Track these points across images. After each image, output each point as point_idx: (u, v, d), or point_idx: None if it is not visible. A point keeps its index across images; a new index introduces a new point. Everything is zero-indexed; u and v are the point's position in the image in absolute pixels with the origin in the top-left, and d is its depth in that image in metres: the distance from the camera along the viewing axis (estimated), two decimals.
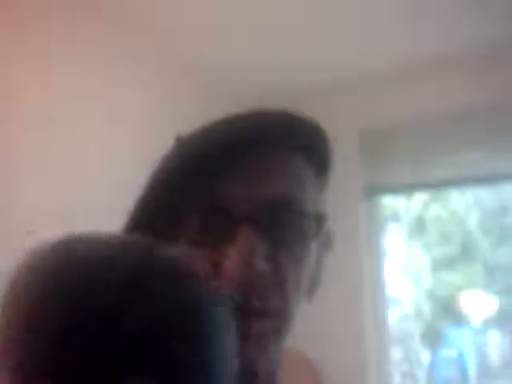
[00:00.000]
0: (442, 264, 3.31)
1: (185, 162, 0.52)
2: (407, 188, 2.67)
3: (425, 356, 3.33)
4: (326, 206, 0.60)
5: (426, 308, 3.33)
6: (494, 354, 3.21)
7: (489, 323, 3.16)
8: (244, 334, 0.50)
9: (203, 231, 0.52)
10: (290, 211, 0.53)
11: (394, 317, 3.00)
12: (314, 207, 0.56)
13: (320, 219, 0.56)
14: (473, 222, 3.27)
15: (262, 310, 0.52)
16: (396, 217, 3.21)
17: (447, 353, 3.20)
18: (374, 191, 2.49)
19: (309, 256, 0.55)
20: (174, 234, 0.53)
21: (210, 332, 0.38)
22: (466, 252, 3.27)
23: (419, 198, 3.29)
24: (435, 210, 3.33)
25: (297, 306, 0.55)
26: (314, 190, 0.58)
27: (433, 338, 3.34)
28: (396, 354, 2.91)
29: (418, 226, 3.33)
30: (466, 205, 3.27)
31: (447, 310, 3.31)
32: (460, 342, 3.19)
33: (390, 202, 2.90)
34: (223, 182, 0.52)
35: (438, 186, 2.64)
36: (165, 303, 0.37)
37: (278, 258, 0.52)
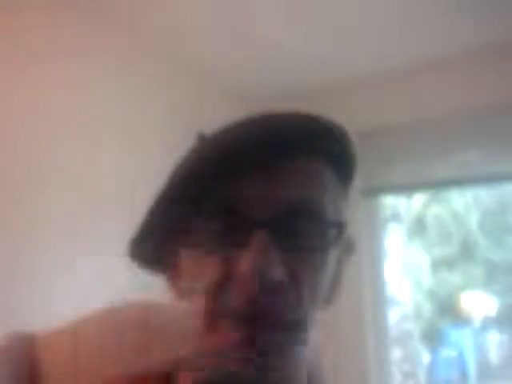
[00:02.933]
0: (442, 264, 3.31)
1: (204, 163, 0.51)
2: (407, 188, 2.67)
3: (425, 356, 3.33)
4: (347, 212, 0.58)
5: (426, 308, 3.33)
6: (494, 354, 3.21)
7: (489, 323, 3.16)
8: (262, 347, 0.49)
9: (218, 234, 0.50)
10: (309, 217, 0.51)
11: (394, 317, 3.00)
12: (334, 214, 0.54)
13: (340, 226, 0.53)
14: (473, 221, 3.27)
15: (276, 321, 0.49)
16: (396, 217, 3.22)
17: (447, 353, 3.20)
18: (374, 191, 2.50)
19: (327, 264, 0.53)
20: (188, 236, 0.52)
21: None
22: (465, 252, 3.28)
23: (419, 198, 3.29)
24: (435, 209, 3.33)
25: (313, 316, 0.52)
26: (336, 196, 0.55)
27: (433, 338, 3.34)
28: (396, 353, 2.91)
29: (418, 226, 3.33)
30: (466, 205, 3.27)
31: (447, 310, 3.31)
32: (460, 341, 3.19)
33: (390, 202, 2.91)
34: (241, 185, 0.50)
35: (438, 185, 2.64)
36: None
37: (294, 267, 0.50)
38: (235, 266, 0.48)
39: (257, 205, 0.50)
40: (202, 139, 0.55)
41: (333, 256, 0.54)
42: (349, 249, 0.60)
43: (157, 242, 0.56)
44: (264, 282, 0.47)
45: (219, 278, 0.50)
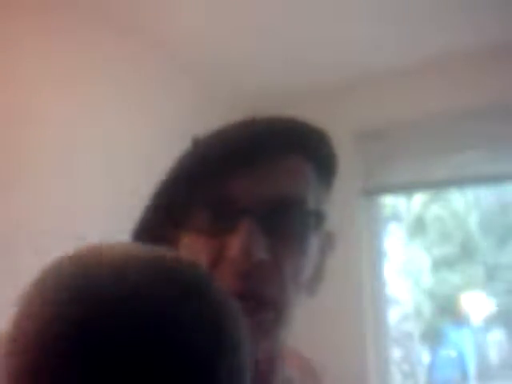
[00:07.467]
0: (442, 264, 3.31)
1: (199, 161, 0.57)
2: (407, 188, 2.67)
3: (425, 356, 3.33)
4: (328, 206, 0.63)
5: (426, 308, 3.33)
6: (494, 354, 3.21)
7: (489, 323, 3.16)
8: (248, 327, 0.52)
9: (209, 221, 0.56)
10: (292, 209, 0.57)
11: (394, 317, 3.00)
12: (314, 204, 0.60)
13: (319, 216, 0.60)
14: (473, 221, 3.28)
15: (260, 300, 0.55)
16: (396, 217, 3.22)
17: (447, 353, 3.20)
18: (374, 191, 2.50)
19: (308, 251, 0.59)
20: (184, 224, 0.58)
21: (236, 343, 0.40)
22: (466, 252, 3.28)
23: (419, 198, 3.30)
24: (435, 209, 3.33)
25: (295, 299, 0.58)
26: (317, 191, 0.61)
27: (433, 337, 3.34)
28: (396, 353, 2.91)
29: (418, 226, 3.33)
30: (466, 205, 3.27)
31: (447, 310, 3.32)
32: (460, 342, 3.19)
33: (390, 202, 2.91)
34: (233, 179, 0.56)
35: (438, 185, 2.64)
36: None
37: (277, 251, 0.56)
38: (225, 249, 0.54)
39: (244, 196, 0.56)
40: (197, 142, 0.61)
41: (314, 244, 0.60)
42: (330, 242, 0.66)
43: (158, 229, 0.61)
44: (251, 262, 0.53)
45: (211, 260, 0.55)
